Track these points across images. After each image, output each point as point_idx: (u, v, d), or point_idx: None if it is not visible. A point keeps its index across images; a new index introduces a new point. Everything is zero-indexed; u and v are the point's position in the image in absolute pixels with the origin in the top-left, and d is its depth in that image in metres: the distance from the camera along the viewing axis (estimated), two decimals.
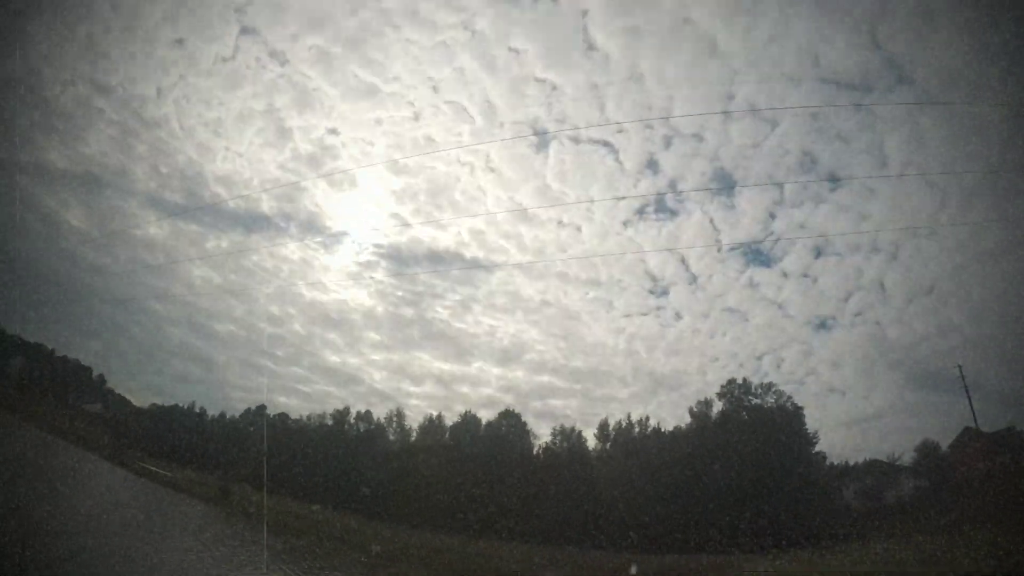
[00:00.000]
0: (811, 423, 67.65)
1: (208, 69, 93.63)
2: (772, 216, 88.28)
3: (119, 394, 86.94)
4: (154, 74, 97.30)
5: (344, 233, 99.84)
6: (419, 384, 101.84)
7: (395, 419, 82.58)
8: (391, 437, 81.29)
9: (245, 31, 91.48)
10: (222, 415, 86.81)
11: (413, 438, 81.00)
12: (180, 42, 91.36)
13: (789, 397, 69.87)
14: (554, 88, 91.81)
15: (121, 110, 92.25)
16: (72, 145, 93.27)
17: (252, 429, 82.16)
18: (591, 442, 76.59)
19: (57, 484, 48.45)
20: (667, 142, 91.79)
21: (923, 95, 71.42)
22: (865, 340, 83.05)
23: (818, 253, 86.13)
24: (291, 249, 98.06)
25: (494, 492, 68.00)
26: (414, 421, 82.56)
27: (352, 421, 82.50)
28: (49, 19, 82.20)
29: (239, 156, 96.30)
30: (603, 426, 76.45)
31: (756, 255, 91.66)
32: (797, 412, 68.24)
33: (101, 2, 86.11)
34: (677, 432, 72.50)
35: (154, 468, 70.53)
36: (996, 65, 61.24)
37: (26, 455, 54.83)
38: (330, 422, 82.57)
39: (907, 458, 63.58)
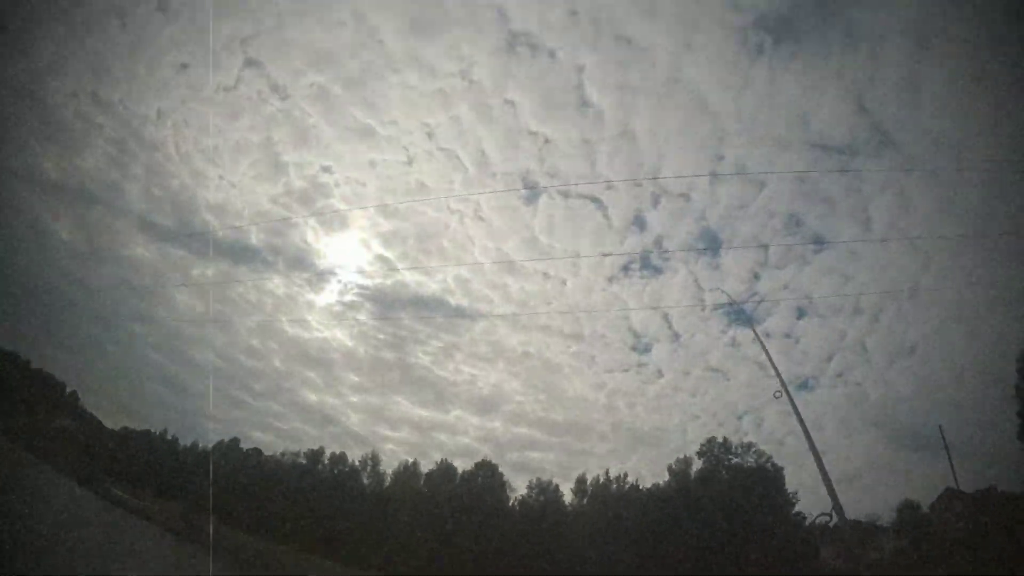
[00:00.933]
0: (791, 483, 67.00)
1: (209, 96, 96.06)
2: (756, 277, 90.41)
3: (91, 413, 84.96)
4: (156, 96, 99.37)
5: (330, 272, 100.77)
6: (396, 429, 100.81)
7: (370, 463, 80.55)
8: (365, 481, 79.15)
9: (249, 63, 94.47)
10: (194, 444, 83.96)
11: (387, 483, 78.83)
12: (184, 67, 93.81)
13: (769, 457, 69.11)
14: (547, 141, 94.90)
15: (120, 128, 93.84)
16: (68, 157, 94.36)
17: (224, 462, 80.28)
18: (568, 496, 74.95)
19: (21, 499, 47.35)
20: (655, 200, 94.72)
21: (908, 161, 74.20)
22: (846, 400, 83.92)
23: (801, 314, 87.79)
24: (276, 284, 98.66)
25: (469, 543, 66.51)
26: (389, 466, 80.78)
27: (326, 462, 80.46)
28: (58, 30, 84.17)
29: (232, 186, 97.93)
30: (581, 481, 75.01)
31: (739, 315, 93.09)
32: (777, 472, 67.46)
33: (110, 19, 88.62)
34: (655, 489, 71.15)
35: (120, 492, 68.57)
36: (979, 133, 63.98)
37: None
38: (304, 461, 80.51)
39: (887, 518, 62.68)
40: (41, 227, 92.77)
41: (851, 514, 62.43)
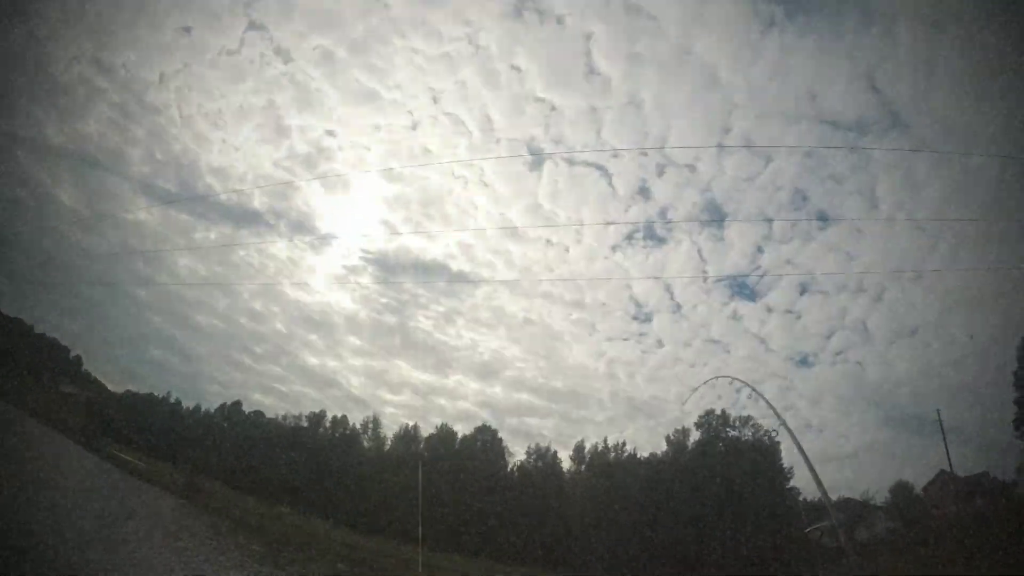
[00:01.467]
0: (787, 458, 67.34)
1: (212, 60, 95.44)
2: (760, 250, 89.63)
3: (95, 377, 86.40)
4: (158, 59, 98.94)
5: (333, 236, 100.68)
6: (396, 392, 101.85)
7: (371, 426, 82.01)
8: (366, 444, 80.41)
9: (253, 25, 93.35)
10: (197, 407, 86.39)
11: (388, 446, 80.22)
12: (187, 30, 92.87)
13: (767, 431, 69.42)
14: (553, 108, 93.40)
15: (122, 92, 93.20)
16: (71, 122, 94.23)
17: (226, 424, 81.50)
18: (566, 463, 75.94)
19: (26, 464, 47.82)
20: (661, 170, 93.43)
21: (918, 142, 72.56)
22: (845, 379, 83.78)
23: (803, 290, 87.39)
24: (279, 247, 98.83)
25: (466, 508, 67.46)
26: (389, 429, 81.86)
27: (328, 425, 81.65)
28: None
29: (235, 150, 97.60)
30: (579, 448, 75.95)
31: (741, 288, 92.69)
32: (774, 446, 67.84)
33: None
34: (653, 459, 71.88)
35: (125, 456, 69.57)
36: (990, 117, 62.31)
37: None
38: (305, 423, 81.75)
39: (880, 498, 63.24)
40: (43, 193, 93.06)
41: (845, 492, 63.38)
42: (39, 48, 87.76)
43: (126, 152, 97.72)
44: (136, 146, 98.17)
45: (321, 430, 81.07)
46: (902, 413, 78.00)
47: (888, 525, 60.00)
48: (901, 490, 62.41)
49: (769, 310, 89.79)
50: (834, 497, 65.95)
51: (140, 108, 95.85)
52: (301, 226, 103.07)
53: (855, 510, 62.91)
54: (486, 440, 77.18)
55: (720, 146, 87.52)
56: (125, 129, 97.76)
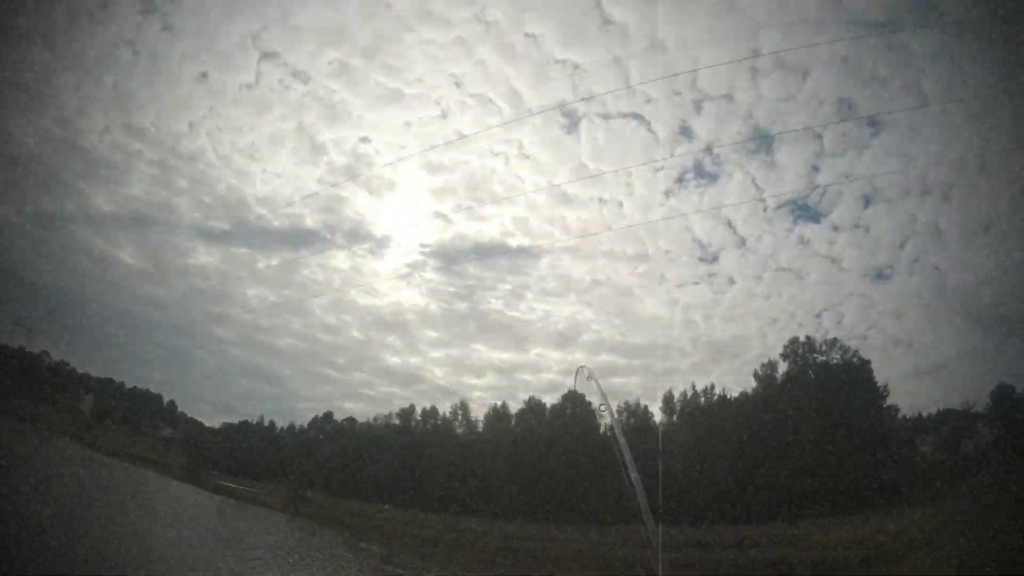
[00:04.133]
0: (880, 376, 67.11)
1: (235, 97, 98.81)
2: (815, 168, 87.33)
3: (191, 417, 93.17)
4: (183, 110, 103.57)
5: (389, 237, 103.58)
6: (480, 376, 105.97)
7: (460, 412, 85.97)
8: (458, 430, 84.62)
9: (265, 56, 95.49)
10: (291, 426, 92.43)
11: (480, 429, 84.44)
12: (203, 76, 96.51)
13: (855, 352, 69.37)
14: (576, 67, 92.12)
15: (157, 149, 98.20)
16: (116, 189, 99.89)
17: (321, 437, 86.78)
18: (657, 416, 78.00)
19: (140, 509, 52.43)
20: (698, 107, 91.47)
21: (955, 25, 68.94)
22: (926, 287, 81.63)
23: (867, 202, 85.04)
24: (340, 259, 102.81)
25: (563, 476, 70.24)
26: (479, 412, 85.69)
27: (418, 418, 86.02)
28: (76, 73, 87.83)
29: (277, 176, 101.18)
30: (668, 399, 77.79)
31: (803, 210, 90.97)
32: (864, 366, 67.80)
33: (121, 50, 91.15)
34: (743, 398, 73.09)
35: (229, 484, 74.97)
36: None
37: (101, 483, 59.52)
38: (397, 421, 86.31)
39: (982, 405, 62.89)
40: (106, 259, 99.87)
41: (944, 404, 62.89)
42: (70, 127, 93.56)
43: (174, 203, 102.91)
44: (182, 195, 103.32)
45: (413, 424, 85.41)
46: (991, 313, 75.36)
47: (993, 432, 59.69)
48: (1002, 394, 61.49)
49: (836, 228, 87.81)
50: (935, 410, 66.45)
51: (177, 160, 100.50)
52: (357, 234, 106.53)
53: (957, 421, 62.87)
54: (575, 406, 79.56)
55: (753, 70, 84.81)
56: (168, 182, 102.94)
